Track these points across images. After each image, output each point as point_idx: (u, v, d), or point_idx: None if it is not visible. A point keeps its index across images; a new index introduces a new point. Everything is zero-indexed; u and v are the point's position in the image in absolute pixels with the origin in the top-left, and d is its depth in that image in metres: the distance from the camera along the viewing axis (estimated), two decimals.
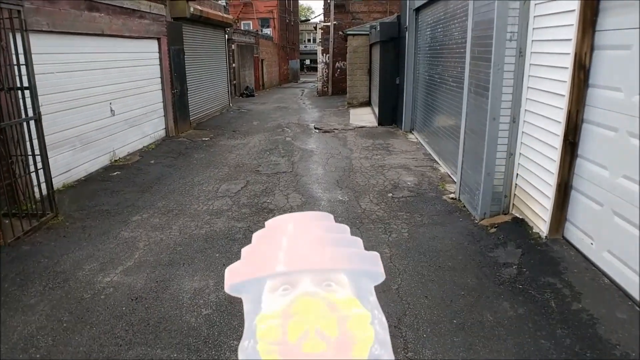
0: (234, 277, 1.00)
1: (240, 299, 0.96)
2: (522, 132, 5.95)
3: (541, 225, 5.49)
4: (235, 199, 7.73)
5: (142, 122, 11.92)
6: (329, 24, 31.06)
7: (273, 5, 44.37)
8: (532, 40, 5.64)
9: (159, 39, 12.78)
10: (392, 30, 15.23)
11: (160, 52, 12.91)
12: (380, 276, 1.01)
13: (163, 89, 13.18)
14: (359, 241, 1.10)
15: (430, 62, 11.85)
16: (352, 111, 20.67)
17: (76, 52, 9.05)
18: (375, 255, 1.06)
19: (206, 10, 17.64)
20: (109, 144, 10.25)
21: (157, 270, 5.27)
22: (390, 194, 7.85)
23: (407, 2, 13.63)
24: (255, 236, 1.13)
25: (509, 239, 5.68)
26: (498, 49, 5.84)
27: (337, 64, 31.27)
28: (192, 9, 15.79)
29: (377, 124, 16.19)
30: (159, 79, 13.03)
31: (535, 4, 5.54)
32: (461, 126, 7.36)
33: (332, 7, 29.89)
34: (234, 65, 28.39)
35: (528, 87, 5.77)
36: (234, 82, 28.59)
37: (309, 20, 68.13)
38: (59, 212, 6.97)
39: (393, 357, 0.85)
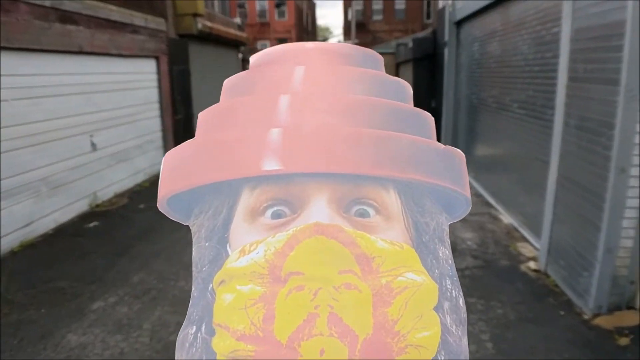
0: (173, 180, 0.53)
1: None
2: None
3: None
4: None
5: (133, 156, 10.01)
6: (349, 42, 29.47)
7: (290, 25, 43.35)
8: None
9: (157, 58, 10.94)
10: (426, 46, 13.29)
11: (159, 72, 11.05)
12: (466, 204, 0.56)
13: (162, 116, 11.30)
14: (427, 120, 0.56)
15: (479, 83, 9.84)
16: None
17: (43, 74, 7.18)
18: (457, 154, 0.53)
19: (217, 27, 15.89)
20: (88, 185, 8.34)
21: None
22: None
23: (446, 14, 11.68)
24: (227, 88, 0.59)
25: None
26: (632, 66, 3.81)
27: None
28: (200, 25, 14.04)
29: None
30: (157, 104, 11.16)
31: None
32: (550, 172, 5.32)
33: (353, 25, 28.22)
34: None
35: None
36: None
37: (327, 39, 67.07)
38: None
39: None
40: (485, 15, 9.16)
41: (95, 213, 8.19)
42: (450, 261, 0.54)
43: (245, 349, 0.43)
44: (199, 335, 0.49)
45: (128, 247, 6.62)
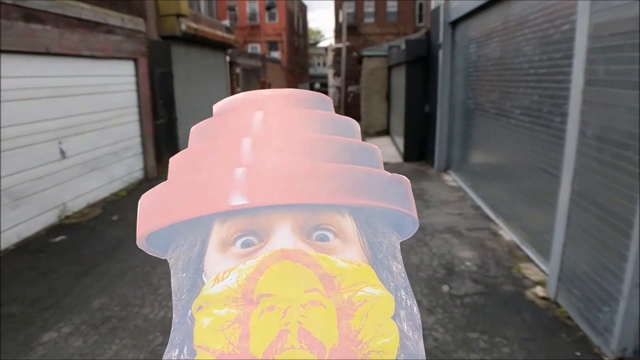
0: (150, 220, 0.57)
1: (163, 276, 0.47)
2: None
3: None
4: None
5: (108, 163, 9.37)
6: (340, 45, 29.00)
7: (281, 28, 42.80)
8: None
9: (135, 60, 10.31)
10: (420, 48, 12.72)
11: (137, 75, 10.42)
12: (413, 224, 0.63)
13: (141, 120, 10.66)
14: (374, 152, 0.64)
15: (476, 87, 9.30)
16: (369, 142, 18.09)
17: (4, 77, 6.55)
18: (403, 180, 0.61)
19: (202, 29, 15.27)
20: (56, 195, 7.71)
21: None
22: (445, 287, 5.21)
23: (441, 14, 11.13)
24: (194, 134, 0.65)
25: None
26: None
27: (349, 87, 29.19)
28: (184, 27, 13.40)
29: (401, 160, 13.61)
30: (136, 108, 10.53)
31: None
32: (561, 187, 4.76)
33: (344, 28, 27.73)
34: (238, 89, 26.05)
35: None
36: None
37: (318, 42, 66.57)
38: None
39: None
40: (483, 14, 8.62)
41: (64, 226, 7.56)
42: (404, 274, 0.59)
43: None
44: (181, 357, 0.52)
45: (93, 265, 6.00)
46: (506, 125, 7.36)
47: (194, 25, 14.54)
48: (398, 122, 16.29)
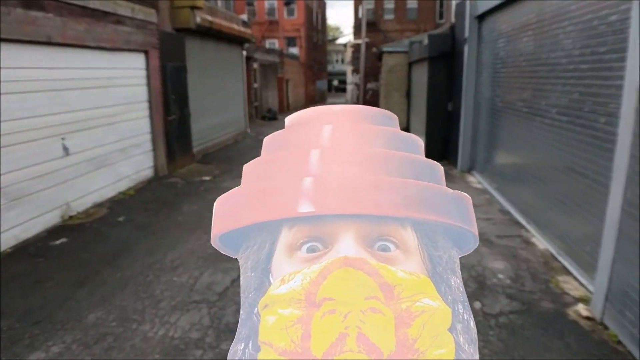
0: (225, 221, 0.61)
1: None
2: None
3: None
4: (218, 312, 4.62)
5: (116, 160, 8.95)
6: (360, 41, 28.46)
7: (300, 23, 42.43)
8: None
9: (146, 52, 9.88)
10: (444, 44, 12.15)
11: (148, 69, 9.98)
12: (474, 240, 0.64)
13: (151, 116, 10.23)
14: (437, 169, 0.65)
15: (505, 84, 8.73)
16: None
17: (2, 68, 6.14)
18: (464, 197, 0.62)
19: (218, 22, 14.84)
20: (59, 194, 7.30)
21: None
22: (478, 305, 4.68)
23: (467, 8, 10.56)
24: (267, 144, 0.68)
25: None
26: None
27: (368, 84, 28.65)
28: (198, 19, 12.99)
29: None
30: (146, 103, 10.10)
31: None
32: (610, 195, 4.21)
33: (363, 23, 27.13)
34: (255, 85, 25.68)
35: None
36: (255, 104, 25.85)
37: (337, 39, 66.06)
38: None
39: None
40: (514, 6, 8.06)
41: (67, 227, 7.14)
42: (462, 289, 0.60)
43: None
44: (246, 351, 0.56)
45: (93, 272, 5.56)
46: (540, 125, 6.80)
47: (209, 18, 14.12)
48: (419, 121, 15.72)
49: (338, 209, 0.54)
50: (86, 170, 7.99)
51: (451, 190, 0.61)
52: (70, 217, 7.44)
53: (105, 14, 8.25)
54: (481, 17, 10.20)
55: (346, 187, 0.55)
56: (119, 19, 8.67)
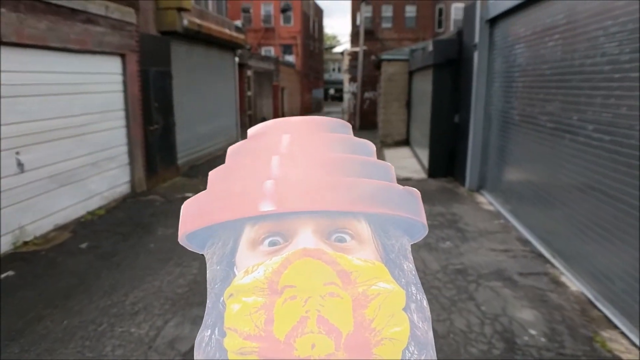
0: (192, 221, 0.66)
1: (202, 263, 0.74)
2: None
3: None
4: None
5: (85, 176, 7.93)
6: (357, 49, 27.60)
7: (296, 31, 41.77)
8: None
9: (122, 56, 8.89)
10: (450, 50, 11.21)
11: (124, 74, 8.99)
12: (422, 229, 0.69)
13: (128, 126, 9.21)
14: (388, 169, 0.70)
15: (523, 95, 7.80)
16: (387, 153, 16.62)
17: None
18: (413, 193, 0.68)
19: (207, 26, 13.91)
20: (11, 217, 6.28)
21: None
22: None
23: (477, 11, 9.64)
24: (231, 153, 0.74)
25: None
26: None
27: (365, 93, 27.77)
28: (185, 22, 12.06)
29: (426, 175, 12.08)
30: (122, 112, 9.09)
31: None
32: None
33: (361, 31, 26.31)
34: (249, 93, 24.72)
35: None
36: (249, 112, 24.87)
37: (334, 47, 65.39)
38: None
39: None
40: (536, 7, 7.14)
41: (17, 256, 6.13)
42: (414, 272, 0.63)
43: (251, 346, 0.52)
44: (212, 336, 0.57)
45: (34, 319, 4.56)
46: (570, 143, 5.86)
47: (197, 21, 13.18)
48: (420, 133, 14.80)
49: (297, 207, 0.59)
50: (47, 188, 6.97)
51: (401, 187, 0.65)
52: (25, 244, 6.43)
53: (73, 11, 7.27)
54: (493, 21, 9.29)
55: (304, 187, 0.60)
56: (89, 18, 7.69)
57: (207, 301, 0.61)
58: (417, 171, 12.92)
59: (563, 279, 5.57)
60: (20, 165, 6.38)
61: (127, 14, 8.81)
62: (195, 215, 0.64)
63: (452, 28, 30.70)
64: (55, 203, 7.16)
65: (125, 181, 9.26)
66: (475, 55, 9.75)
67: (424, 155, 13.22)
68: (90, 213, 7.91)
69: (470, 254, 6.36)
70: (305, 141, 0.67)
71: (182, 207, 0.66)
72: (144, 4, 10.01)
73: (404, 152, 16.69)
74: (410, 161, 14.70)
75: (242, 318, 0.54)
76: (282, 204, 0.59)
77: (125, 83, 9.01)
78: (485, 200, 9.39)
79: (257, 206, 0.59)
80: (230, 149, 0.72)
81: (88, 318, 4.57)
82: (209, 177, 0.69)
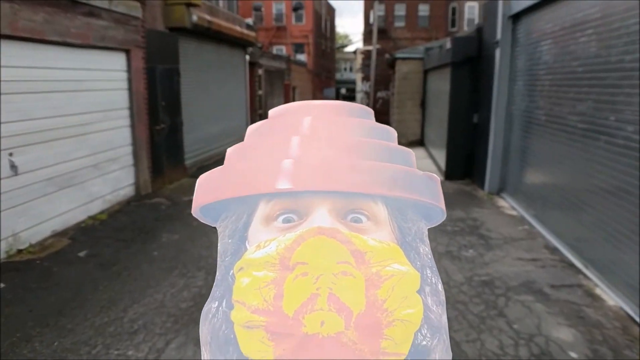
0: (207, 194, 0.65)
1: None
2: None
3: None
4: None
5: (87, 179, 7.54)
6: (370, 47, 27.16)
7: (308, 30, 41.40)
8: None
9: (127, 52, 8.50)
10: (469, 47, 10.74)
11: (129, 70, 8.60)
12: (441, 213, 0.68)
13: (133, 125, 8.82)
14: (409, 155, 0.69)
15: (549, 95, 7.31)
16: None
17: None
18: (433, 178, 0.67)
19: (217, 22, 13.49)
20: (4, 223, 5.89)
21: None
22: None
23: (499, 7, 9.15)
24: (251, 131, 0.73)
25: None
26: None
27: (378, 93, 27.37)
28: (195, 18, 11.66)
29: (442, 177, 11.60)
30: (127, 111, 8.70)
31: None
32: None
33: (375, 30, 25.86)
34: (260, 92, 24.35)
35: None
36: (259, 111, 24.52)
37: (346, 46, 64.95)
38: None
39: (450, 352, 0.59)
40: (565, 2, 6.66)
41: (10, 265, 5.73)
42: (430, 256, 0.63)
43: (258, 320, 0.51)
44: (220, 308, 0.57)
45: (23, 339, 4.16)
46: (605, 145, 5.39)
47: (207, 17, 12.78)
48: (436, 133, 14.34)
49: (314, 186, 0.57)
50: (44, 191, 6.58)
51: (421, 172, 0.64)
52: (19, 252, 6.04)
53: (74, 3, 6.88)
54: (516, 17, 8.81)
55: (323, 167, 0.58)
56: (92, 11, 7.30)
57: (217, 273, 0.62)
58: (433, 172, 12.43)
59: (598, 291, 5.11)
60: (13, 167, 5.99)
61: (132, 8, 8.41)
62: (211, 189, 0.63)
63: (465, 27, 30.26)
64: (53, 207, 6.77)
65: (130, 183, 8.86)
66: (497, 52, 9.28)
67: (440, 156, 12.77)
68: (91, 218, 7.52)
69: (496, 263, 5.90)
70: (326, 124, 0.66)
71: (198, 180, 0.66)
72: None
73: (418, 153, 16.22)
74: (426, 162, 14.24)
75: (251, 291, 0.53)
76: (299, 183, 0.58)
77: (130, 80, 8.62)
78: (507, 204, 8.91)
79: (274, 183, 0.58)
80: (250, 128, 0.71)
81: (81, 338, 4.16)
82: (226, 154, 0.68)
